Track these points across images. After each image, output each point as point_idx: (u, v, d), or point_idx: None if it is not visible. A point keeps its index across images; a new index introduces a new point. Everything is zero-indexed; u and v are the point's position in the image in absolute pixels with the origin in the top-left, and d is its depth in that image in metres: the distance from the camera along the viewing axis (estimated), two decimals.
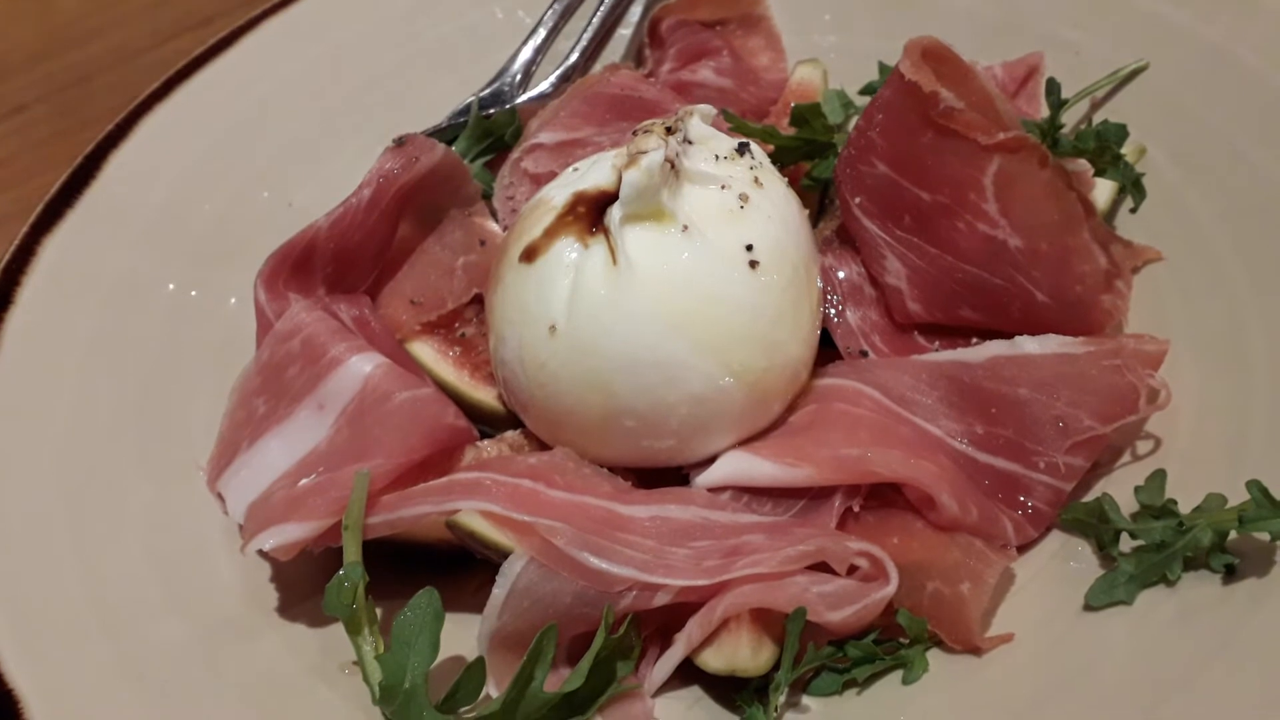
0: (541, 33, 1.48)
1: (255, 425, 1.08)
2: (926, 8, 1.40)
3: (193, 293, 1.28)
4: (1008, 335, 1.08)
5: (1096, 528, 1.00)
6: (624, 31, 1.53)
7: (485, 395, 1.17)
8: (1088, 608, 0.96)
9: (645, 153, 0.99)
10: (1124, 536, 0.98)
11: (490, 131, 1.39)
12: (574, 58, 1.47)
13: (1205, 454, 1.03)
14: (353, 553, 0.96)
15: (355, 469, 1.00)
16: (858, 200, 1.12)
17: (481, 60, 1.47)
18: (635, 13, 1.53)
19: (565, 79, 1.45)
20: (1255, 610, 0.90)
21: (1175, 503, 0.97)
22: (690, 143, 1.04)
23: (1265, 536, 0.92)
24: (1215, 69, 1.23)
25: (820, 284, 1.10)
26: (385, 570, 0.99)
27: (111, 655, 1.00)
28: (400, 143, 1.19)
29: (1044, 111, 1.25)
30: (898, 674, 0.96)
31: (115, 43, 1.83)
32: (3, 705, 0.93)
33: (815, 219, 1.24)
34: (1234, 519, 0.92)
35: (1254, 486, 0.93)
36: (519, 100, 1.43)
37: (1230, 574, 0.93)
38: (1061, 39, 1.33)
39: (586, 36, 1.48)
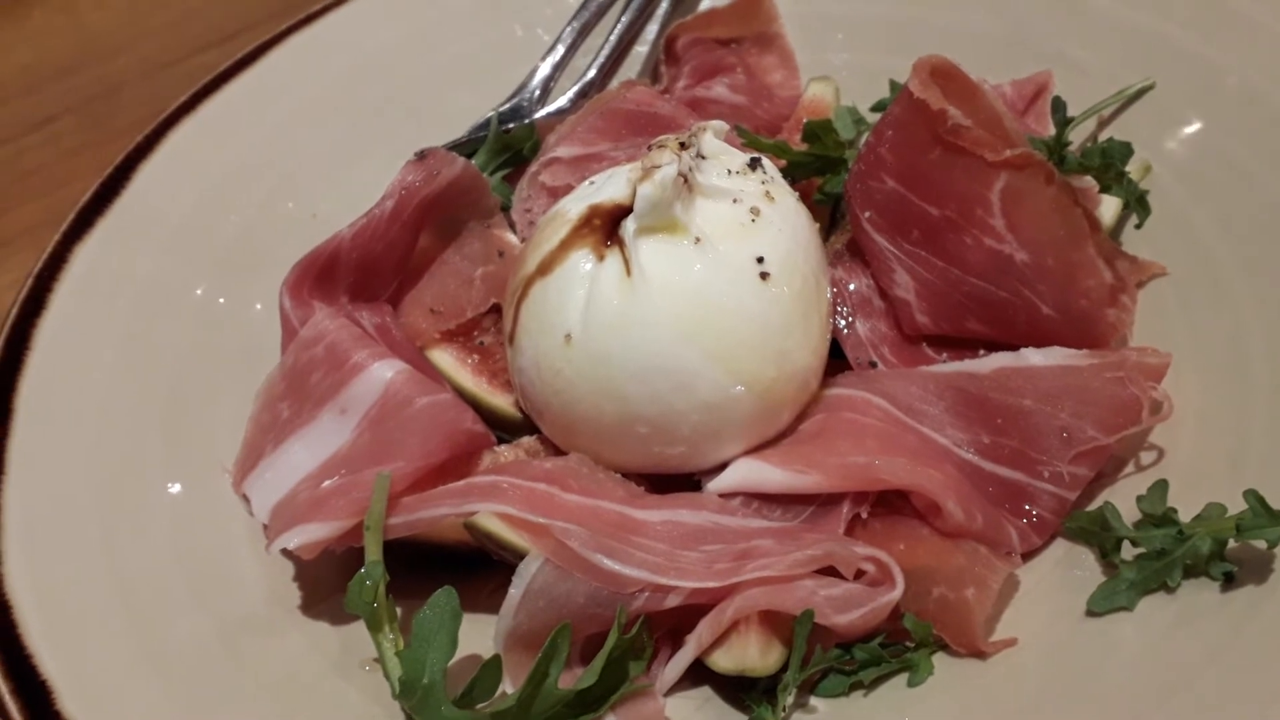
0: (560, 49, 1.50)
1: (280, 429, 1.10)
2: (937, 27, 1.42)
3: (220, 300, 1.30)
4: (1014, 347, 1.09)
5: (1099, 536, 1.01)
6: (640, 49, 1.55)
7: (502, 401, 1.18)
8: (1090, 613, 0.97)
9: (659, 167, 1.01)
10: (1126, 544, 0.99)
11: (509, 145, 1.40)
12: (591, 74, 1.49)
13: (1206, 464, 1.04)
14: (374, 552, 0.98)
15: (377, 471, 1.02)
16: (867, 214, 1.13)
17: (501, 76, 1.49)
18: (652, 30, 1.55)
19: (583, 95, 1.47)
20: (1253, 616, 0.92)
21: (1176, 511, 0.98)
22: (703, 158, 1.06)
23: (1262, 544, 0.94)
24: (1220, 88, 1.25)
25: (830, 296, 1.12)
26: (405, 570, 1.01)
27: (139, 649, 1.02)
28: (421, 156, 1.21)
29: (1052, 129, 1.27)
30: (903, 676, 0.98)
31: (142, 56, 1.86)
32: (36, 695, 0.95)
33: (826, 233, 1.25)
34: (1232, 528, 0.94)
35: (1251, 496, 0.94)
36: (537, 115, 1.45)
37: (1229, 581, 0.95)
38: (1070, 58, 1.35)
39: (604, 53, 1.50)
